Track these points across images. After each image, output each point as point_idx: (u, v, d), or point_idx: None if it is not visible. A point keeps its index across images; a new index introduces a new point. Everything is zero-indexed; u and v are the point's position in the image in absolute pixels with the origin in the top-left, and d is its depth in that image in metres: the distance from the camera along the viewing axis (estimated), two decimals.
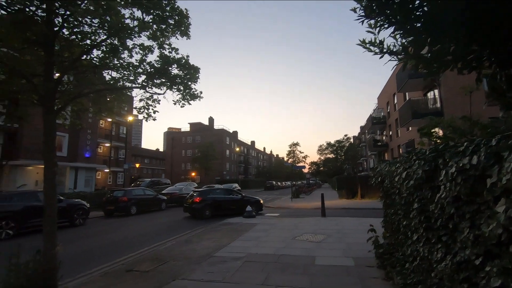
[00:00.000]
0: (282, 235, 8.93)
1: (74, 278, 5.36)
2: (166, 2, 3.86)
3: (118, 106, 6.03)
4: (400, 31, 2.22)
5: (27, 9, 3.25)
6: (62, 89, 3.79)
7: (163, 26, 4.30)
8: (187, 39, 4.68)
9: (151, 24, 3.93)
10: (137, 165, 51.02)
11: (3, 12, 3.34)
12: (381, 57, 2.42)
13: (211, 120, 67.82)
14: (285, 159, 42.98)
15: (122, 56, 4.33)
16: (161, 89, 4.53)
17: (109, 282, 5.06)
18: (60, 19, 3.41)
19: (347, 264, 5.82)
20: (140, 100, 4.61)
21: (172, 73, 4.29)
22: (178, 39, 4.41)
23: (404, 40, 2.32)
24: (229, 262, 6.10)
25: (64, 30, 3.56)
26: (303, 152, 43.58)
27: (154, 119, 4.89)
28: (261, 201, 16.48)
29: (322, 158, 67.61)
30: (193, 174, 55.04)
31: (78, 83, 4.20)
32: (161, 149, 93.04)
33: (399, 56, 2.42)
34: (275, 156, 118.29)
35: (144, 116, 4.73)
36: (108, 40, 3.91)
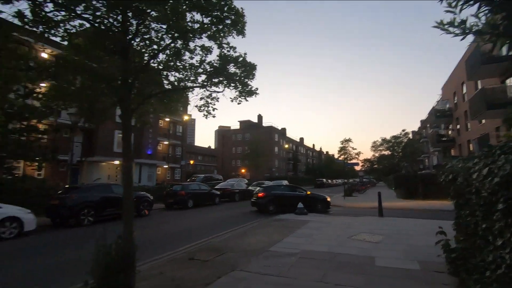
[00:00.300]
0: (336, 234, 8.68)
1: (144, 262, 5.93)
2: (223, 2, 4.03)
3: (183, 105, 6.53)
4: (487, 7, 1.95)
5: (106, 21, 3.69)
6: (135, 91, 4.23)
7: (220, 27, 4.48)
8: (242, 37, 4.81)
9: (210, 25, 4.14)
10: (192, 162, 54.20)
11: (87, 25, 3.84)
12: (462, 39, 2.16)
13: (259, 117, 68.73)
14: (336, 156, 41.47)
15: (183, 58, 4.65)
16: (219, 87, 4.75)
17: (175, 268, 5.49)
18: (132, 28, 3.81)
19: (411, 267, 5.41)
20: (201, 98, 4.91)
21: (230, 72, 4.46)
22: (234, 38, 4.57)
23: (490, 18, 2.03)
24: (283, 257, 6.14)
25: (136, 38, 3.96)
26: (355, 149, 41.37)
27: (214, 116, 5.18)
28: (328, 199, 15.87)
29: (376, 155, 63.73)
30: (243, 170, 56.50)
31: (147, 85, 4.65)
32: (213, 147, 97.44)
33: (485, 36, 2.13)
34: (324, 153, 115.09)
35: (204, 114, 5.03)
36: (172, 44, 4.23)
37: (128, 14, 3.71)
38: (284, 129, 75.28)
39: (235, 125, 72.06)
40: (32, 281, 5.31)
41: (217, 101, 4.92)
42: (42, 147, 15.65)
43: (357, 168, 43.12)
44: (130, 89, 3.82)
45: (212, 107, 4.95)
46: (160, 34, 4.04)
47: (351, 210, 16.55)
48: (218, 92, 4.73)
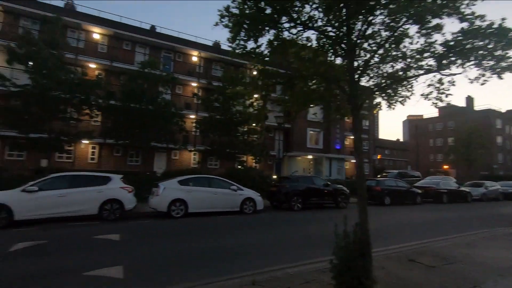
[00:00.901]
0: None
1: None
2: None
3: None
4: None
5: (334, 29, 4.09)
6: (360, 88, 4.42)
7: None
8: (481, 0, 3.87)
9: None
10: (379, 156, 50.89)
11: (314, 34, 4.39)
12: None
13: (469, 100, 53.94)
14: None
15: (404, 45, 4.36)
16: (450, 69, 4.05)
17: (397, 266, 5.28)
18: (357, 29, 4.00)
19: None
20: (429, 85, 4.40)
21: (469, 47, 3.66)
22: (474, 4, 3.72)
23: None
24: None
25: (360, 39, 4.11)
26: None
27: (449, 103, 4.51)
28: None
29: None
30: (445, 166, 46.61)
31: (368, 81, 4.77)
32: (401, 139, 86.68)
33: None
34: None
35: (433, 102, 4.48)
36: (394, 35, 4.05)
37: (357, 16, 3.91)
38: (509, 112, 55.15)
39: (429, 113, 60.62)
40: (282, 246, 6.86)
41: (453, 85, 4.20)
42: (259, 144, 19.93)
43: None
44: (357, 86, 4.03)
45: (445, 92, 4.29)
46: (390, 24, 3.96)
47: None
48: (456, 74, 4.02)
